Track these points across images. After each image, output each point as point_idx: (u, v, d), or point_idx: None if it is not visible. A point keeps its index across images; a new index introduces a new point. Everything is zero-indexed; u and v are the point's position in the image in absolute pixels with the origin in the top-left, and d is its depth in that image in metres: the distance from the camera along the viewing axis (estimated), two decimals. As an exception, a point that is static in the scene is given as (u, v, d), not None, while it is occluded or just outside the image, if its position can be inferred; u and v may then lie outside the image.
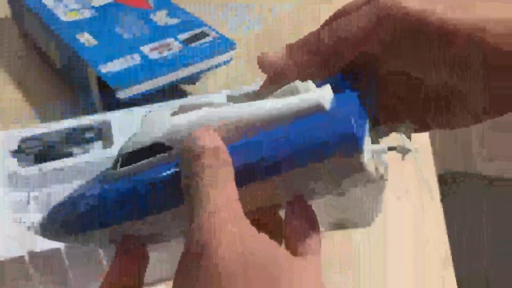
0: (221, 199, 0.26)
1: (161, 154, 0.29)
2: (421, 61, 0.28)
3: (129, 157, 0.29)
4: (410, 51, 0.28)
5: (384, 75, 0.31)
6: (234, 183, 0.27)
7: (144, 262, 0.31)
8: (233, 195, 0.27)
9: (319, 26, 0.31)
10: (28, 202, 0.53)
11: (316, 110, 0.27)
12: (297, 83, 0.28)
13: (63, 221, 0.31)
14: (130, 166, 0.29)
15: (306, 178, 0.27)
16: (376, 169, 0.28)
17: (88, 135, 0.60)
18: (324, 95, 0.27)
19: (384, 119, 0.32)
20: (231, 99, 0.29)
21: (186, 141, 0.28)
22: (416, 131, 0.32)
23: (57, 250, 0.47)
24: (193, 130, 0.28)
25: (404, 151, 0.28)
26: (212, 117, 0.28)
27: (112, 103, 0.67)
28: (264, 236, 0.26)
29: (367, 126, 0.28)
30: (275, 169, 0.27)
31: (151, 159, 0.29)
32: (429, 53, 0.28)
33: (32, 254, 0.47)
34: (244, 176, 0.27)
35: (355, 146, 0.26)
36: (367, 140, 0.28)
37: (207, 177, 0.27)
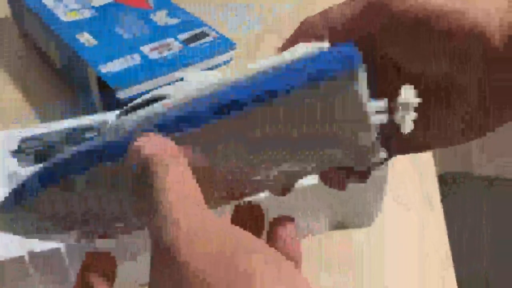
0: (172, 195, 0.25)
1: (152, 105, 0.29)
2: (421, 53, 0.28)
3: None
4: (410, 43, 0.28)
5: (381, 67, 0.31)
6: (179, 166, 0.26)
7: (114, 264, 0.31)
8: (176, 178, 0.25)
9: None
10: (28, 202, 0.53)
11: (315, 50, 0.27)
12: (300, 44, 0.28)
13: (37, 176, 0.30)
14: (124, 116, 0.29)
15: (303, 102, 0.27)
16: (375, 127, 0.27)
17: (88, 135, 0.60)
18: (324, 45, 0.28)
19: None
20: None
21: (129, 156, 0.27)
22: (417, 147, 0.32)
23: (57, 250, 0.47)
24: (131, 142, 0.27)
25: (405, 107, 0.28)
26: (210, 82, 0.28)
27: (112, 103, 0.67)
28: (221, 220, 0.25)
29: (364, 70, 0.28)
30: (269, 95, 0.26)
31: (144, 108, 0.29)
32: (429, 45, 0.28)
33: (32, 254, 0.47)
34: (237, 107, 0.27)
35: (350, 65, 0.25)
36: (363, 85, 0.27)
37: (158, 185, 0.25)
